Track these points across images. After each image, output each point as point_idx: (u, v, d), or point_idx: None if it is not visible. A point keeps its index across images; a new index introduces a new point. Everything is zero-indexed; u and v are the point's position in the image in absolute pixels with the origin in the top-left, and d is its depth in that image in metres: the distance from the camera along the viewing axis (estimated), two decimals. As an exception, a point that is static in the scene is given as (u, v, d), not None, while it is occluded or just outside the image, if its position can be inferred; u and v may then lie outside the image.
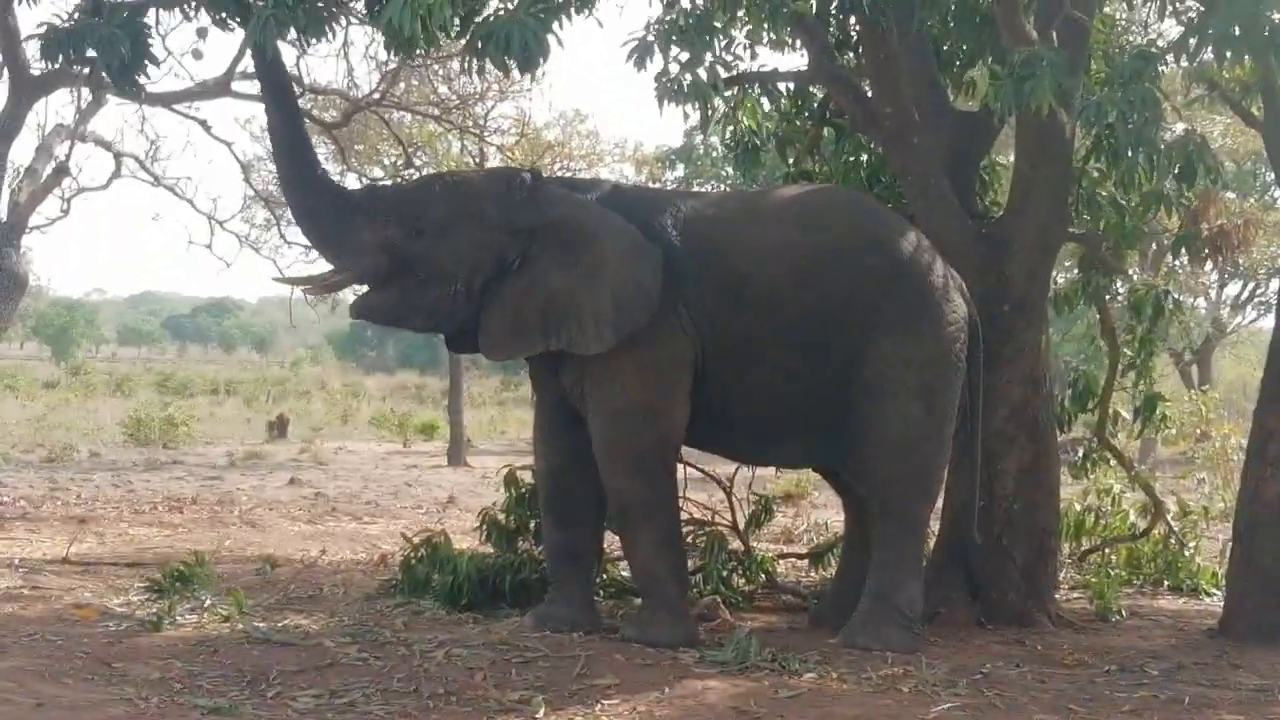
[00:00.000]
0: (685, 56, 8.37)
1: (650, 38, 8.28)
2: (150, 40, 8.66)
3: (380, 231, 8.47)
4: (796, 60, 10.83)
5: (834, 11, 9.41)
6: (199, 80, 15.83)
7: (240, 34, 8.62)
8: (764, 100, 10.99)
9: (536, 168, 9.65)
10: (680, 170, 31.28)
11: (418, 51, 8.75)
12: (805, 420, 8.76)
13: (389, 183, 9.45)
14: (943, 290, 8.72)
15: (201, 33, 13.68)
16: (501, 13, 7.94)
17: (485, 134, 19.49)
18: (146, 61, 8.67)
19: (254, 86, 17.12)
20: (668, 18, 8.37)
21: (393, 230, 8.47)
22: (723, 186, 28.56)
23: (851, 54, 10.38)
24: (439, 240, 8.50)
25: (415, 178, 9.76)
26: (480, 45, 7.93)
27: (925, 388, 8.64)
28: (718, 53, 8.56)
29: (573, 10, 8.16)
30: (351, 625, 8.76)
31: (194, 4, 8.59)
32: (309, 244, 9.43)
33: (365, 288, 8.71)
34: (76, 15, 8.64)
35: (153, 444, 25.01)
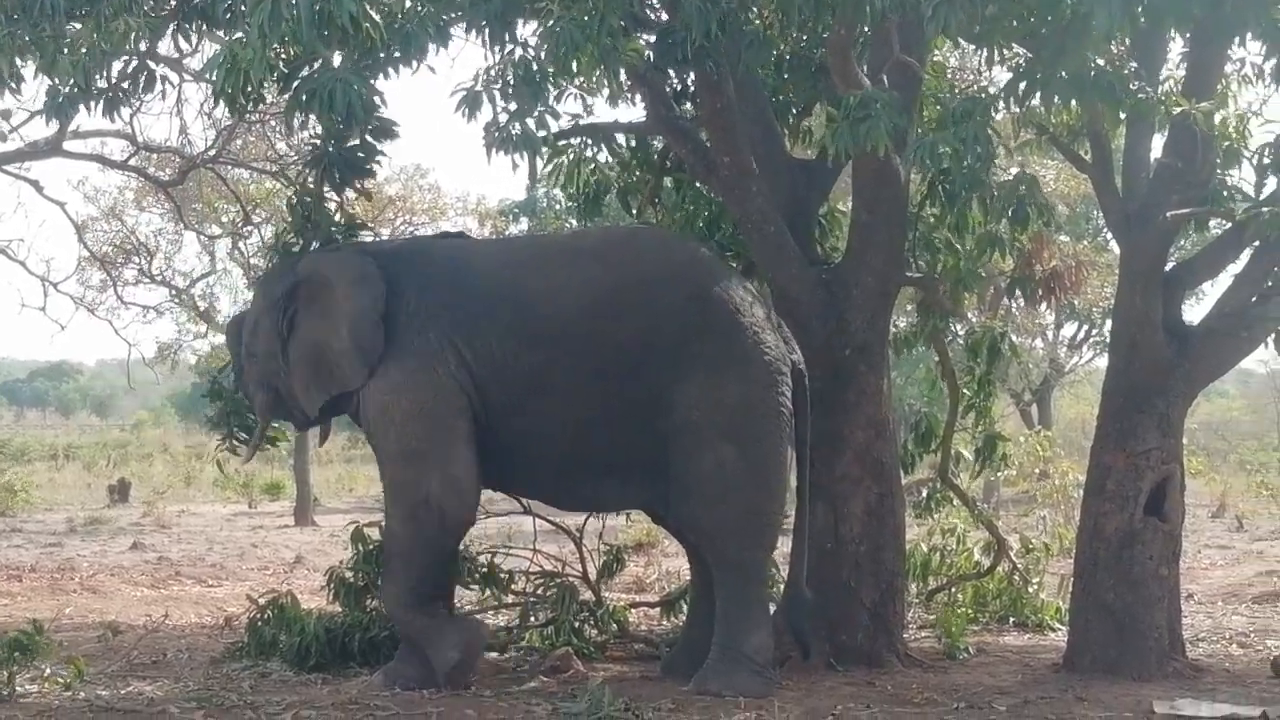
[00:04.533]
0: (514, 107, 8.38)
1: (479, 87, 8.28)
2: None
3: (249, 373, 9.39)
4: (635, 112, 10.90)
5: (667, 62, 9.47)
6: (29, 141, 15.57)
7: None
8: (604, 152, 11.03)
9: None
10: (524, 223, 31.27)
11: (247, 109, 8.86)
12: (617, 463, 8.76)
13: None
14: (754, 332, 8.68)
15: (4, 114, 13.61)
16: (324, 69, 7.96)
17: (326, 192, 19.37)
18: None
19: (88, 146, 16.95)
20: (498, 69, 8.37)
21: (252, 368, 9.33)
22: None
23: (689, 104, 10.46)
24: (259, 351, 9.28)
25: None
26: (304, 101, 7.94)
27: (738, 432, 8.60)
28: (548, 102, 8.59)
29: (398, 64, 8.16)
30: (197, 690, 8.63)
31: None
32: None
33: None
34: None
35: (-10, 512, 24.41)
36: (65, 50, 8.13)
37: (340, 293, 8.85)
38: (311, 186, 9.76)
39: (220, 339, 9.25)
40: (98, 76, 8.23)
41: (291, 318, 9.06)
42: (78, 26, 8.23)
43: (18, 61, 8.21)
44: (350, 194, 10.04)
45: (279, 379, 9.22)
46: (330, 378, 8.97)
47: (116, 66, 8.38)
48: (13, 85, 8.40)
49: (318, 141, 9.47)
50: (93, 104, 8.57)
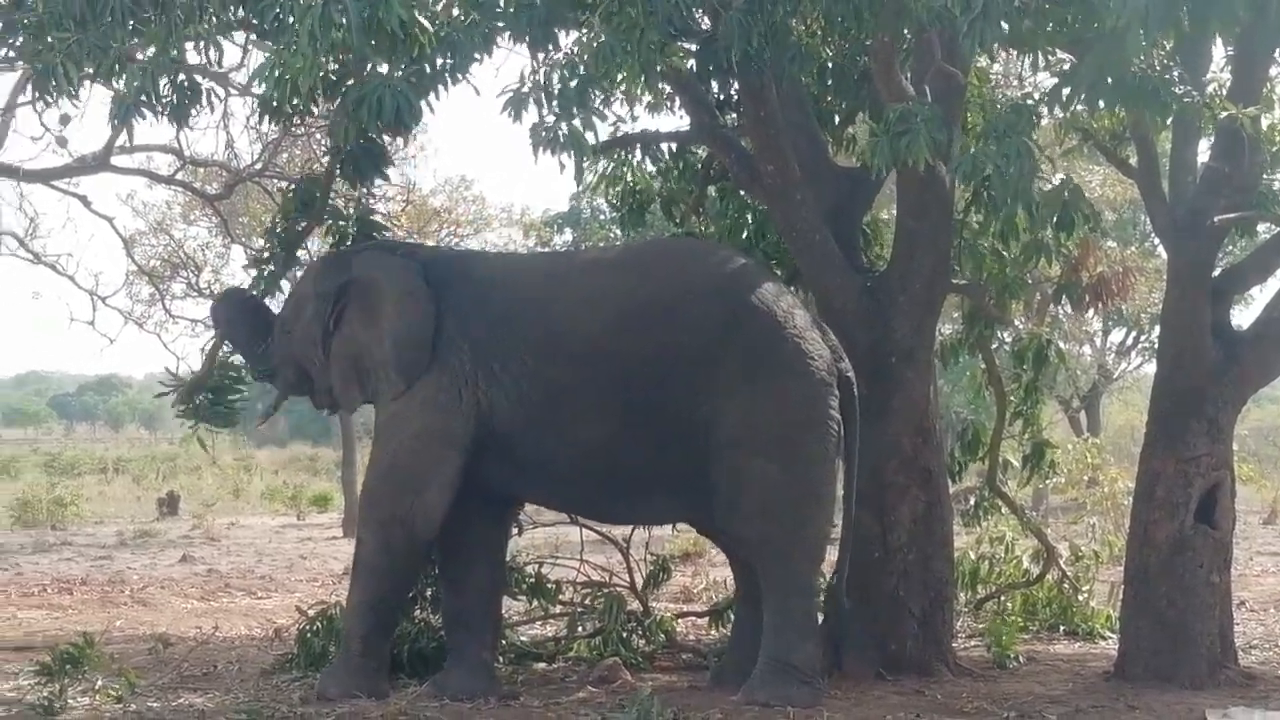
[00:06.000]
0: (559, 108, 8.38)
1: (525, 89, 8.29)
2: None
3: (280, 347, 9.43)
4: (679, 121, 10.92)
5: (710, 71, 9.47)
6: (77, 155, 15.66)
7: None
8: (647, 161, 11.04)
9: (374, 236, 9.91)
10: (568, 234, 31.32)
11: (294, 121, 8.92)
12: (661, 478, 8.72)
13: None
14: (799, 343, 8.62)
15: (64, 120, 13.67)
16: (373, 77, 7.99)
17: (371, 202, 19.45)
18: None
19: (135, 161, 17.05)
20: (544, 76, 8.38)
21: (282, 343, 9.40)
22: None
23: (733, 113, 10.45)
24: (296, 330, 9.32)
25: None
26: (352, 109, 7.97)
27: (784, 444, 8.57)
28: (593, 105, 8.59)
29: (447, 79, 8.18)
30: (247, 702, 8.65)
31: (54, 91, 8.54)
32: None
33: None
34: None
35: (40, 525, 24.55)
36: (125, 60, 8.17)
37: (390, 304, 8.88)
38: (319, 174, 9.86)
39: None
40: (162, 83, 8.26)
41: (339, 314, 9.10)
42: (136, 41, 8.27)
43: (76, 70, 8.23)
44: (366, 189, 10.11)
45: (312, 363, 9.30)
46: (366, 383, 9.08)
47: (164, 81, 8.40)
48: (72, 91, 8.44)
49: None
50: (156, 112, 8.59)
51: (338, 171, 9.63)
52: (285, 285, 10.02)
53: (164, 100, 8.43)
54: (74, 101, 8.85)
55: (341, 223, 9.99)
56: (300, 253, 10.37)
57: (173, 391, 10.25)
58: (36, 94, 8.67)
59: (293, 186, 10.24)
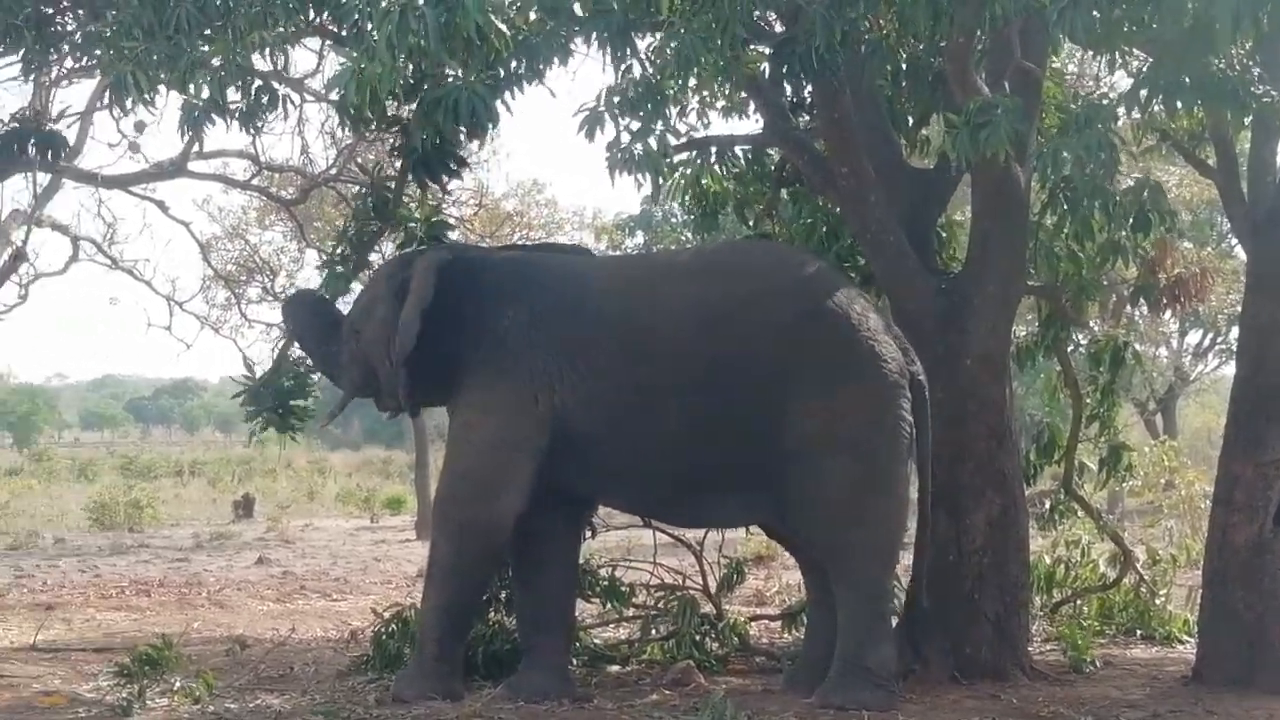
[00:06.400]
0: (635, 126, 8.40)
1: (600, 108, 8.31)
2: None
3: (347, 347, 9.35)
4: (752, 125, 10.91)
5: (786, 73, 9.47)
6: (155, 162, 15.83)
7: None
8: (720, 165, 11.02)
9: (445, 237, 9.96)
10: (640, 237, 31.32)
11: (371, 126, 8.99)
12: (735, 480, 8.70)
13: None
14: (872, 345, 8.58)
15: (139, 127, 13.82)
16: (450, 81, 8.03)
17: (443, 206, 19.53)
18: None
19: (211, 166, 17.22)
20: (619, 87, 8.40)
21: (351, 342, 9.33)
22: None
23: (806, 115, 10.43)
24: (366, 331, 9.26)
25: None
26: (429, 112, 8.01)
27: (856, 447, 8.53)
28: (669, 120, 8.61)
29: (523, 81, 8.21)
30: (323, 703, 8.71)
31: (131, 101, 8.64)
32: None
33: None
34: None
35: (118, 528, 24.80)
36: (197, 66, 8.26)
37: (415, 291, 8.88)
38: (392, 177, 9.89)
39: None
40: (232, 90, 8.37)
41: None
42: (206, 48, 8.35)
43: (149, 78, 8.33)
44: (436, 189, 10.13)
45: (381, 364, 9.23)
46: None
47: (233, 88, 8.48)
48: (146, 99, 8.54)
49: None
50: (227, 118, 8.70)
51: (410, 175, 9.66)
52: (355, 287, 10.07)
53: (234, 107, 8.53)
54: (149, 109, 8.99)
55: (412, 224, 10.02)
56: (372, 255, 10.43)
57: (244, 393, 10.28)
58: (113, 102, 8.78)
59: (366, 190, 10.29)
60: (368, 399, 9.70)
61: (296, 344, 10.12)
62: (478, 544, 8.81)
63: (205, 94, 8.34)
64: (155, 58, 8.24)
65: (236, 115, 8.77)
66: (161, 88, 8.59)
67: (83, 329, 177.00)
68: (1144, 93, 8.37)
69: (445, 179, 9.75)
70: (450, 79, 8.19)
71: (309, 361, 10.10)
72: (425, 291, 8.81)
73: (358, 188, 15.39)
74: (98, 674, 9.72)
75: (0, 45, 9.18)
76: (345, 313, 9.72)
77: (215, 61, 8.30)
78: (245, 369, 10.64)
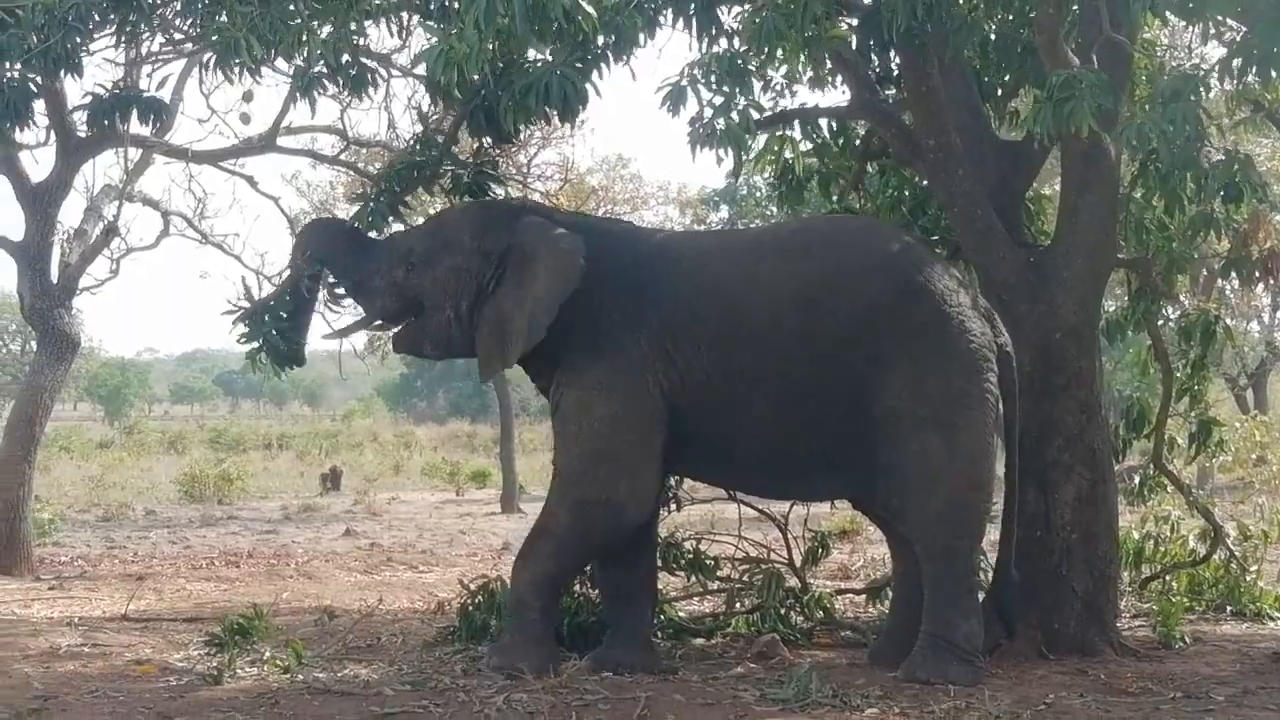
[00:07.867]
0: (718, 101, 8.38)
1: (684, 83, 8.30)
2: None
3: (387, 275, 9.17)
4: (837, 97, 10.84)
5: (872, 45, 9.41)
6: (244, 137, 15.95)
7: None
8: (805, 138, 10.97)
9: (525, 198, 9.87)
10: (724, 211, 31.28)
11: (457, 103, 9.00)
12: (826, 454, 8.70)
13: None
14: (960, 319, 8.57)
15: (247, 96, 13.89)
16: (539, 63, 8.03)
17: (529, 181, 19.60)
18: None
19: (299, 142, 17.32)
20: (703, 62, 8.38)
21: (397, 271, 9.13)
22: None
23: (893, 88, 10.37)
24: (426, 272, 9.11)
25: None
26: (520, 96, 8.02)
27: (944, 420, 8.51)
28: (753, 95, 8.58)
29: (611, 60, 8.21)
30: (411, 674, 8.77)
31: (239, 67, 8.67)
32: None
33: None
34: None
35: (208, 500, 25.10)
36: (304, 35, 8.31)
37: (541, 272, 8.75)
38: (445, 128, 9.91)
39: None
40: (345, 56, 8.42)
41: (498, 279, 8.98)
42: (314, 22, 8.42)
43: (260, 45, 8.39)
44: (488, 141, 10.04)
45: (438, 309, 9.10)
46: (504, 353, 8.96)
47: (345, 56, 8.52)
48: (253, 65, 8.61)
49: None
50: (339, 85, 8.74)
51: (466, 123, 9.56)
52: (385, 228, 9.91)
53: (344, 73, 8.58)
54: (255, 78, 9.05)
55: (460, 171, 9.95)
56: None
57: (237, 310, 9.98)
58: (219, 67, 8.79)
59: (419, 136, 10.25)
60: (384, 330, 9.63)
61: (322, 264, 9.59)
62: (608, 520, 8.74)
63: (318, 58, 8.39)
64: (267, 23, 8.30)
65: (347, 84, 8.81)
66: (264, 57, 8.65)
67: (172, 304, 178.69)
68: (1237, 63, 8.27)
69: (501, 135, 9.53)
70: (537, 62, 8.20)
71: (318, 289, 9.74)
72: (570, 282, 8.67)
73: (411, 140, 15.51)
74: (188, 643, 9.86)
75: (95, 15, 9.20)
76: (378, 241, 9.59)
77: (325, 30, 8.35)
78: (243, 289, 10.18)
